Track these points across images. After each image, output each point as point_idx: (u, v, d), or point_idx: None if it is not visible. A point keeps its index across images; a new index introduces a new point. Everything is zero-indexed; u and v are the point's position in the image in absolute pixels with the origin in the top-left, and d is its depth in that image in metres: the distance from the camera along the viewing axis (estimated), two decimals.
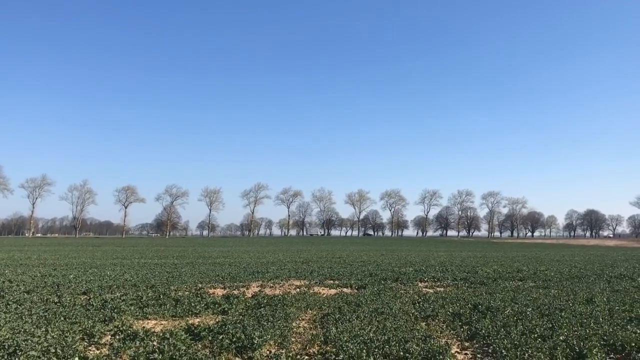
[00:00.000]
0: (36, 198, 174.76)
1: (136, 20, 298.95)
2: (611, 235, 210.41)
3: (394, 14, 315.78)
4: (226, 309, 14.23)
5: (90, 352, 9.33)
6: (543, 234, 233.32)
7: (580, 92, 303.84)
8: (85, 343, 10.19)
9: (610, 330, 11.03)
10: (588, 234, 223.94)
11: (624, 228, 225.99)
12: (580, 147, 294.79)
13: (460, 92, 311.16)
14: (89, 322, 11.87)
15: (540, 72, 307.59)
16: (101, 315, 12.78)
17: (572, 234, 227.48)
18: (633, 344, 9.85)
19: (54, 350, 8.91)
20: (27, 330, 10.66)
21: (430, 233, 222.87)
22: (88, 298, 16.09)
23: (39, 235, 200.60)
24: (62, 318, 12.35)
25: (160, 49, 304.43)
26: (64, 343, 9.49)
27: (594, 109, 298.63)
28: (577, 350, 9.21)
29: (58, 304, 14.83)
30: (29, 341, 9.61)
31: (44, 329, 10.84)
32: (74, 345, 9.53)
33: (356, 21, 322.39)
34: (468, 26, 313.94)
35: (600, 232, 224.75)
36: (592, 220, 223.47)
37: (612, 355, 9.71)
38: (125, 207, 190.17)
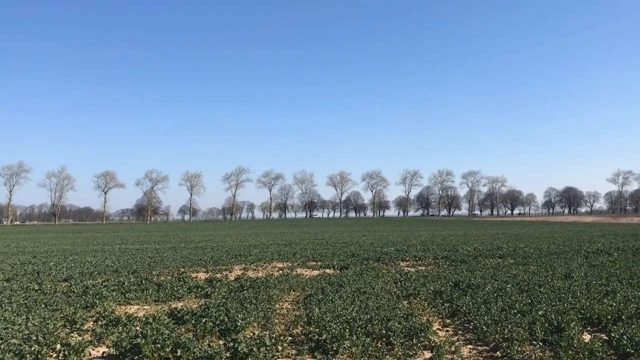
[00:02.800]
0: (13, 185, 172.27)
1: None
2: (589, 212, 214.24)
3: None
4: (209, 292, 14.24)
5: (73, 339, 9.27)
6: (522, 211, 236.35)
7: (556, 70, 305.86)
8: (67, 330, 10.15)
9: (587, 304, 11.27)
10: (566, 210, 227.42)
11: (601, 204, 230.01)
12: (558, 125, 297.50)
13: (438, 71, 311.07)
14: (71, 308, 11.81)
15: (516, 51, 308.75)
16: (83, 302, 12.72)
17: (550, 211, 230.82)
18: (609, 317, 10.09)
19: (35, 338, 8.84)
20: (8, 319, 10.57)
21: (411, 213, 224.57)
22: (69, 285, 15.97)
23: (18, 223, 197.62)
24: (43, 305, 12.26)
25: (133, 30, 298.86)
26: (45, 330, 9.44)
27: (569, 87, 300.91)
28: (555, 325, 9.40)
29: (39, 291, 14.71)
30: (10, 329, 9.54)
31: (24, 317, 10.76)
32: (55, 332, 9.48)
33: (342, 11, 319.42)
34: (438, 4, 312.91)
35: (579, 208, 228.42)
36: (570, 197, 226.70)
37: (589, 328, 9.95)
38: (105, 193, 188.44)
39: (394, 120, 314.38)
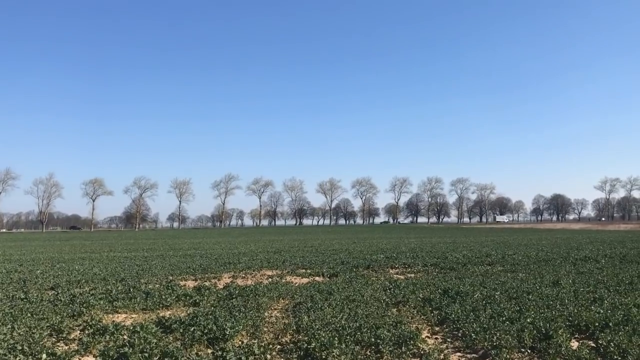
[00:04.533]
0: (0, 192, 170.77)
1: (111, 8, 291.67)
2: (577, 219, 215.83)
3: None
4: (197, 300, 14.15)
5: (59, 348, 9.19)
6: (511, 218, 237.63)
7: (545, 79, 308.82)
8: (54, 339, 10.04)
9: (575, 311, 11.33)
10: (555, 218, 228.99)
11: (588, 211, 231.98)
12: (546, 133, 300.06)
13: (429, 79, 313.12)
14: (57, 317, 11.67)
15: (506, 59, 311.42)
16: (70, 311, 12.58)
17: (539, 218, 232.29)
18: (596, 324, 10.15)
19: (20, 347, 8.74)
20: None
21: (400, 220, 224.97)
22: (56, 293, 15.81)
23: (4, 230, 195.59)
24: (29, 314, 12.11)
25: (127, 37, 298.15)
26: (31, 340, 9.33)
27: (557, 96, 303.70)
28: (544, 332, 9.44)
29: (25, 300, 14.53)
30: None
31: (10, 326, 10.62)
32: (41, 341, 9.38)
33: (332, 9, 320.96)
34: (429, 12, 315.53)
35: (567, 215, 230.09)
36: (559, 205, 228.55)
37: (576, 335, 10.00)
38: (93, 201, 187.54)
39: (384, 128, 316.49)
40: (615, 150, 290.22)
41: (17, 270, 23.71)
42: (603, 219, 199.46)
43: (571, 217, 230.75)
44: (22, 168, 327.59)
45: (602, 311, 11.23)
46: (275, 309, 13.16)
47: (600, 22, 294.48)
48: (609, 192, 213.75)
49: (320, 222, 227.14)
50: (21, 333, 10.02)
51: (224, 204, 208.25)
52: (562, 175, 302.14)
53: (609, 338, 8.88)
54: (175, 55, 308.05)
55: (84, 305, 13.29)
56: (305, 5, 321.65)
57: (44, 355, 8.36)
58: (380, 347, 8.84)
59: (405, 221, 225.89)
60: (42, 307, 13.04)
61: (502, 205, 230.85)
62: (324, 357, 8.37)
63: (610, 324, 10.08)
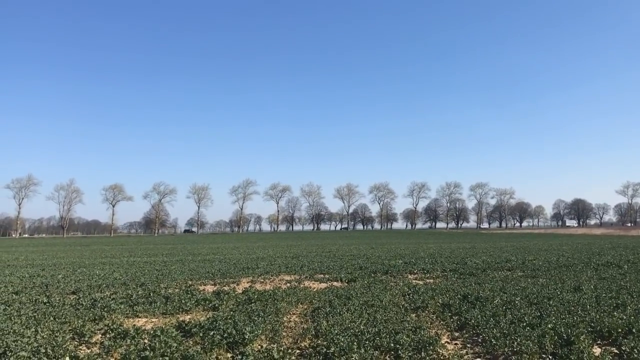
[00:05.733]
0: (22, 198, 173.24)
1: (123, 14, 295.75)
2: (599, 224, 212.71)
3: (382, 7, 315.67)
4: (217, 305, 14.23)
5: (81, 352, 9.31)
6: (531, 224, 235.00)
7: (565, 79, 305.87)
8: (76, 342, 10.16)
9: (597, 317, 11.19)
10: (575, 223, 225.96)
11: (610, 216, 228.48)
12: (566, 136, 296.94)
13: (446, 83, 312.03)
14: (79, 321, 11.84)
15: (525, 59, 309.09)
16: (91, 315, 12.74)
17: (559, 223, 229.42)
18: (619, 330, 10.02)
19: (44, 350, 8.88)
20: (17, 331, 10.61)
21: (419, 225, 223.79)
22: (77, 297, 16.01)
23: (26, 235, 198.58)
24: (51, 318, 12.30)
25: (145, 44, 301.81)
26: (54, 343, 9.47)
27: (578, 98, 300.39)
28: (565, 338, 9.34)
29: (47, 304, 14.75)
30: (19, 342, 9.58)
31: (33, 329, 10.80)
32: (64, 344, 9.51)
33: (346, 16, 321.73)
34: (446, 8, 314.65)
35: (588, 220, 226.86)
36: (580, 210, 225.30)
37: (599, 342, 9.86)
38: (113, 206, 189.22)
39: (402, 132, 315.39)
40: (638, 153, 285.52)
41: (39, 275, 24.05)
42: (629, 224, 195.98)
43: (592, 222, 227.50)
44: (44, 174, 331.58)
45: (625, 317, 11.08)
46: (294, 314, 13.18)
47: (625, 20, 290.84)
48: (631, 197, 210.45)
49: (338, 227, 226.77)
50: (44, 336, 10.18)
51: (242, 209, 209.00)
52: (583, 180, 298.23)
53: (632, 344, 8.77)
54: (195, 61, 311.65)
55: (105, 309, 13.45)
56: (323, 12, 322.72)
57: (67, 358, 8.50)
58: (399, 352, 8.82)
59: (424, 226, 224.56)
60: (64, 311, 13.22)
61: (522, 210, 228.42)
62: None
63: (634, 330, 9.95)
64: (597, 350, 9.09)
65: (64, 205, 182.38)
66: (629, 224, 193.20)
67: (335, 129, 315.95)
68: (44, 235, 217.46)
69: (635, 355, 8.23)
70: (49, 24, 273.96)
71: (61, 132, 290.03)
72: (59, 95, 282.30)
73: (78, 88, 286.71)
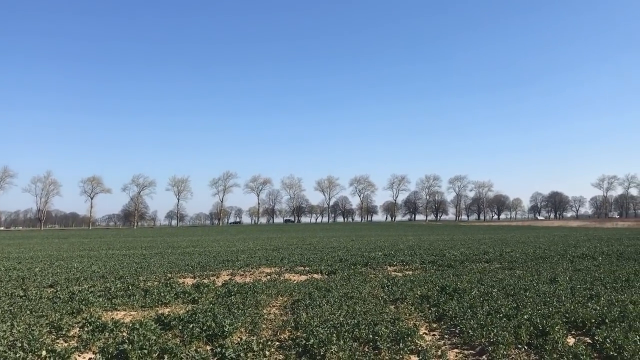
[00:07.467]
0: None
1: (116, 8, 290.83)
2: (575, 216, 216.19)
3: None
4: (196, 298, 14.20)
5: (59, 345, 9.23)
6: (509, 216, 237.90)
7: (544, 77, 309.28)
8: (53, 336, 10.07)
9: (572, 307, 11.40)
10: (552, 215, 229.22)
11: (586, 209, 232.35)
12: (544, 131, 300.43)
13: (427, 77, 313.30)
14: (56, 314, 11.73)
15: (504, 57, 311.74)
16: (69, 308, 12.62)
17: (536, 215, 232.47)
18: (593, 320, 10.23)
19: (20, 345, 8.78)
20: None
21: (399, 218, 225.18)
22: (55, 291, 15.84)
23: (2, 228, 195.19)
24: (28, 312, 12.16)
25: (124, 33, 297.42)
26: (30, 337, 9.36)
27: (555, 94, 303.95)
28: (541, 328, 9.51)
29: (24, 297, 14.58)
30: None
31: (9, 323, 10.66)
32: (41, 338, 9.41)
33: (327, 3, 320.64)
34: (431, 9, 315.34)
35: (564, 213, 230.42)
36: (556, 202, 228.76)
37: (573, 332, 10.07)
38: (92, 198, 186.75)
39: (383, 125, 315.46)
40: (613, 148, 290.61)
41: (15, 268, 23.72)
42: (616, 214, 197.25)
43: (569, 214, 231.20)
44: (20, 166, 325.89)
45: (598, 308, 11.31)
46: (274, 306, 13.21)
47: (599, 20, 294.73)
48: (606, 190, 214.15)
49: (319, 220, 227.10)
50: (21, 330, 10.06)
51: (222, 201, 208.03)
52: (560, 173, 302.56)
53: (605, 334, 8.95)
54: (173, 51, 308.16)
55: (83, 302, 13.33)
56: (301, 3, 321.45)
57: (44, 352, 8.41)
58: (378, 343, 8.90)
59: (404, 219, 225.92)
60: (41, 305, 13.08)
61: (500, 203, 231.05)
62: (322, 353, 8.42)
63: (607, 321, 10.16)
64: (571, 340, 9.26)
65: (41, 197, 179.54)
66: (614, 215, 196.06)
67: (316, 122, 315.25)
68: (20, 228, 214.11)
69: (608, 345, 8.41)
70: (25, 15, 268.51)
71: (38, 123, 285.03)
72: (35, 86, 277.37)
73: (54, 78, 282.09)
